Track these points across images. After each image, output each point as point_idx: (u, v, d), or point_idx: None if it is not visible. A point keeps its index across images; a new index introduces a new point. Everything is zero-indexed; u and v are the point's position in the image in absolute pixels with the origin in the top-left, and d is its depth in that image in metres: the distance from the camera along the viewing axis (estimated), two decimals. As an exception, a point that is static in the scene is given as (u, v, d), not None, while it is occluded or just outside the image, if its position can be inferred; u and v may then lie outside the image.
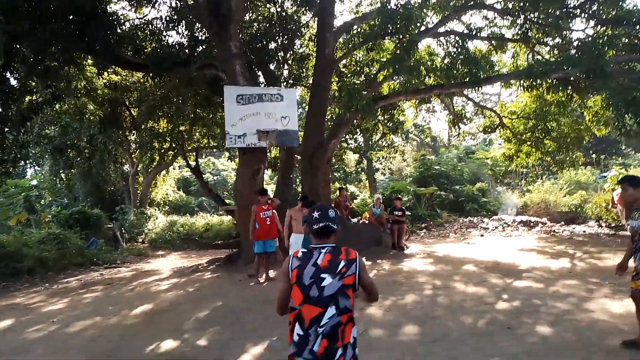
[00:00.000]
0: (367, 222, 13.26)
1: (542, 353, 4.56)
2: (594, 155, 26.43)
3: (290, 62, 15.36)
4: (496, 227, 16.39)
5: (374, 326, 5.74)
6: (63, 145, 17.45)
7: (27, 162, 21.83)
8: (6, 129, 10.35)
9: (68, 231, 14.10)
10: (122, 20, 12.96)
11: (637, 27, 10.74)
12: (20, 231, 14.93)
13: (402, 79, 13.13)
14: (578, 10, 11.18)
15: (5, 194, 23.04)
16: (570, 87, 11.36)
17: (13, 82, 10.81)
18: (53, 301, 8.59)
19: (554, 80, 11.03)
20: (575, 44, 11.48)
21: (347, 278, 2.49)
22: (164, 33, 13.58)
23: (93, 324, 6.67)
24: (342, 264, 2.51)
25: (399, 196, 14.77)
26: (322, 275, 2.47)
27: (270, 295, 7.57)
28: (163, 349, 5.41)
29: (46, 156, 20.32)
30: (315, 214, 2.67)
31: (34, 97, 11.99)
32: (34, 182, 25.78)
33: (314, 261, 2.52)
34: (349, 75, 15.31)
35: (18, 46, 10.20)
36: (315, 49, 13.41)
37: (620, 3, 10.04)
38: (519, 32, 12.41)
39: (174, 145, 18.39)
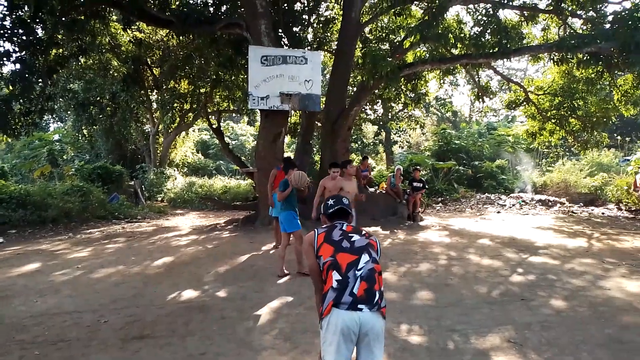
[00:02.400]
0: (383, 192, 13.29)
1: (556, 324, 4.59)
2: (618, 138, 25.86)
3: (315, 24, 15.12)
4: (513, 205, 16.28)
5: (388, 290, 5.82)
6: (86, 101, 17.68)
7: (51, 116, 22.26)
8: (33, 80, 10.45)
9: (91, 185, 14.44)
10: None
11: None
12: (45, 183, 15.33)
13: (429, 46, 12.86)
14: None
15: (29, 147, 23.55)
16: (601, 63, 10.98)
17: (41, 33, 10.85)
18: (77, 249, 8.91)
19: (586, 55, 10.70)
20: (610, 17, 11.04)
21: (371, 240, 2.66)
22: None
23: (116, 272, 6.93)
24: (364, 231, 2.71)
25: (417, 167, 14.71)
26: (350, 235, 2.63)
27: (288, 255, 7.71)
28: (184, 297, 5.61)
29: (69, 112, 20.65)
30: (330, 202, 2.86)
31: (61, 50, 12.06)
32: (57, 137, 26.25)
33: (339, 228, 2.68)
34: (374, 42, 15.04)
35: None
36: (341, 13, 13.15)
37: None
38: (552, 3, 11.99)
39: (194, 106, 18.48)
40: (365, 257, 2.50)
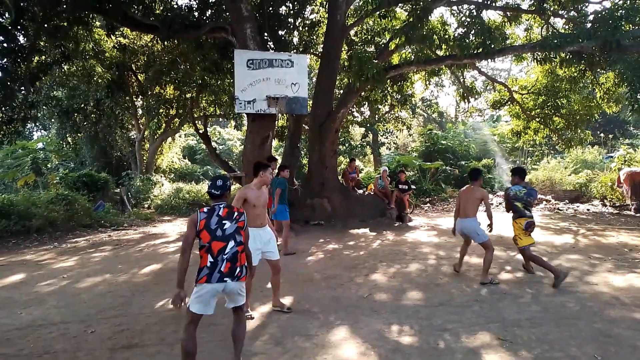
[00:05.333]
0: (372, 193, 13.32)
1: (544, 320, 4.64)
2: (601, 135, 26.27)
3: (300, 28, 15.11)
4: (500, 203, 16.40)
5: (378, 291, 5.85)
6: (70, 108, 17.42)
7: (35, 124, 21.93)
8: (16, 87, 10.29)
9: (76, 193, 14.21)
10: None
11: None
12: (29, 192, 15.08)
13: (414, 48, 12.94)
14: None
15: (12, 156, 23.16)
16: (583, 62, 11.17)
17: (22, 40, 10.70)
18: (63, 259, 8.75)
19: (568, 54, 10.86)
20: (591, 17, 11.23)
21: (240, 222, 3.65)
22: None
23: (103, 281, 6.83)
24: (236, 213, 3.65)
25: (403, 169, 14.76)
26: (224, 222, 3.57)
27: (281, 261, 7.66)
28: (173, 304, 5.53)
29: (53, 119, 20.33)
30: (212, 182, 3.71)
31: (43, 57, 11.90)
32: (40, 145, 25.84)
33: (216, 213, 3.58)
34: (359, 44, 15.09)
35: (27, 3, 10.09)
36: (326, 16, 13.18)
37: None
38: (535, 3, 12.17)
39: (180, 112, 18.34)
40: (231, 244, 3.54)
